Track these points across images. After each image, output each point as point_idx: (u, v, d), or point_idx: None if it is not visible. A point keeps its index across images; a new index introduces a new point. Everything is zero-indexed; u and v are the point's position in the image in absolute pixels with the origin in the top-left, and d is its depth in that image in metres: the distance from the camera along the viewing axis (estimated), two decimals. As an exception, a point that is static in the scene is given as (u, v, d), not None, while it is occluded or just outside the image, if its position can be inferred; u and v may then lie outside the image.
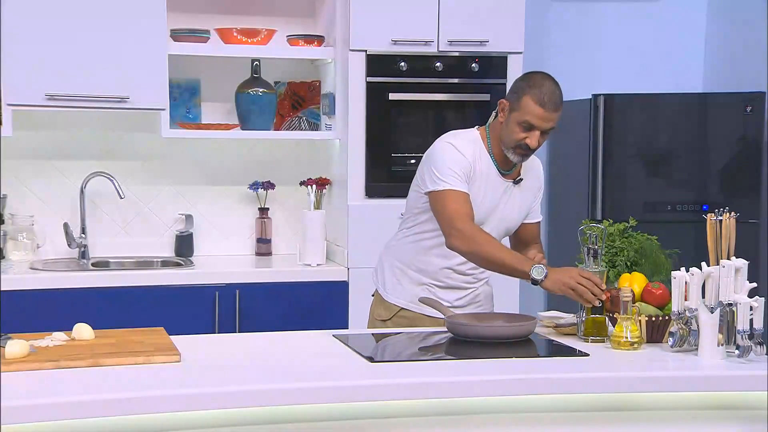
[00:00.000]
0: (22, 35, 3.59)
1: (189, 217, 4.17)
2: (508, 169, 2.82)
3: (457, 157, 2.73)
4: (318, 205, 4.07)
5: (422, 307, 2.82)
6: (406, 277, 2.89)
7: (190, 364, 2.30)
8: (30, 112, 3.79)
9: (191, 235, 4.15)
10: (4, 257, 3.87)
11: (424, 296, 2.83)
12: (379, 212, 3.87)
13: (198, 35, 3.92)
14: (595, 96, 4.28)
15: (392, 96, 3.94)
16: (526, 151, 2.74)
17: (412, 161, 4.01)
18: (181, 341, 2.46)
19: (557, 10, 4.71)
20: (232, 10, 4.11)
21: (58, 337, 2.43)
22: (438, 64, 3.96)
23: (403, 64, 3.92)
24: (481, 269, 2.83)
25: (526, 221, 2.92)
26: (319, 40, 4.05)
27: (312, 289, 3.88)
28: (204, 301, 3.75)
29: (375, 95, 3.91)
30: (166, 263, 4.07)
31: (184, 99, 4.12)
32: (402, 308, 2.89)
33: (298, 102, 4.26)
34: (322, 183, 4.11)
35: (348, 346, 2.49)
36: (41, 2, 3.62)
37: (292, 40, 4.05)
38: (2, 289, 3.43)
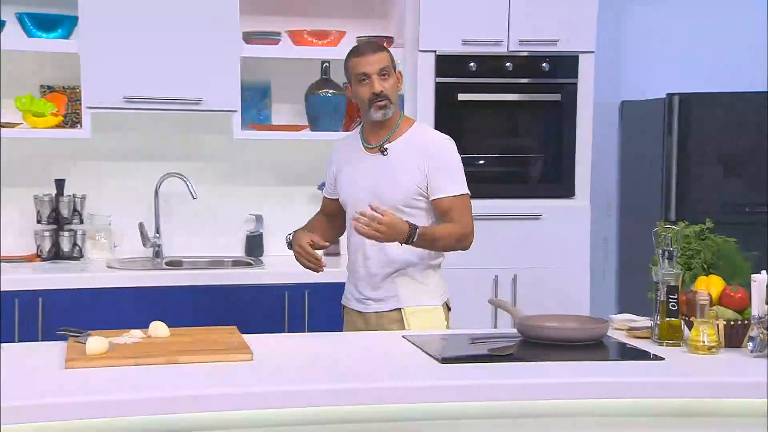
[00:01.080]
0: (102, 40, 3.68)
1: (259, 218, 4.22)
2: (375, 143, 2.88)
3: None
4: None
5: (351, 302, 2.93)
6: (347, 277, 3.00)
7: (262, 362, 2.33)
8: (108, 114, 3.88)
9: (261, 235, 4.20)
10: (83, 256, 3.98)
11: (493, 298, 2.84)
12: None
13: (269, 37, 3.97)
14: (670, 95, 4.20)
15: (461, 96, 3.93)
16: (381, 101, 2.80)
17: (481, 162, 3.99)
18: (253, 340, 2.49)
19: (629, 8, 4.63)
20: (303, 13, 4.15)
21: (135, 335, 2.49)
22: (508, 64, 3.94)
23: (472, 64, 3.91)
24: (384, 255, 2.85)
25: (433, 197, 2.83)
26: (388, 41, 4.06)
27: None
28: (274, 301, 3.78)
29: (444, 96, 3.90)
30: (237, 263, 4.12)
31: (255, 101, 4.17)
32: (344, 306, 3.00)
33: (367, 103, 4.27)
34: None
35: (418, 346, 2.49)
36: (119, 8, 3.70)
37: (362, 41, 4.07)
38: (82, 287, 3.54)
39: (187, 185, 3.98)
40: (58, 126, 3.80)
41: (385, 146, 2.85)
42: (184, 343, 2.46)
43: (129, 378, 2.17)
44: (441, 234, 2.80)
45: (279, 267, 3.97)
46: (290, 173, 4.27)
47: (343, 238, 3.12)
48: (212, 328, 2.65)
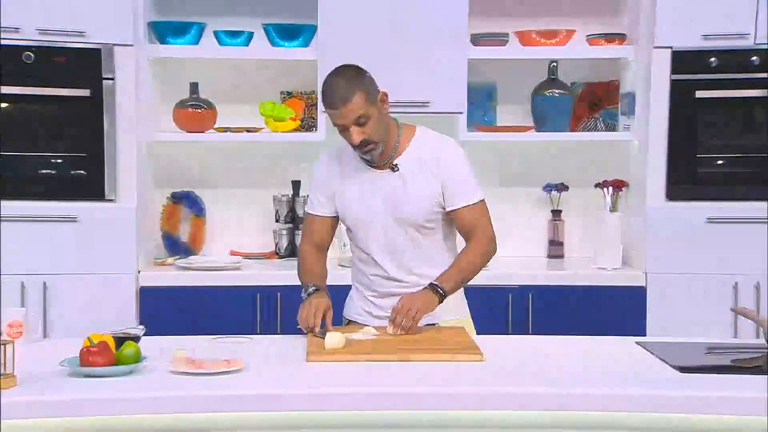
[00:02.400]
0: (338, 47, 3.82)
1: (483, 219, 4.23)
2: (381, 162, 2.69)
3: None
4: (614, 208, 3.96)
5: (367, 318, 2.74)
6: (357, 291, 2.81)
7: (493, 363, 2.33)
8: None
9: (485, 236, 4.21)
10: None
11: (737, 306, 2.66)
12: (681, 215, 3.73)
13: (497, 38, 3.97)
14: None
15: (699, 94, 3.74)
16: (362, 148, 2.62)
17: (720, 162, 3.78)
18: (479, 341, 2.51)
19: None
20: (532, 13, 4.12)
21: (369, 331, 2.58)
22: (754, 58, 3.70)
23: (713, 59, 3.71)
24: (406, 272, 2.70)
25: (450, 208, 2.69)
26: (620, 38, 3.95)
27: (607, 293, 3.79)
28: (497, 302, 3.78)
29: (680, 94, 3.73)
30: (460, 263, 4.15)
31: (481, 102, 4.18)
32: (349, 320, 2.80)
33: (595, 102, 4.18)
34: (618, 185, 4.00)
35: (653, 353, 2.40)
36: (355, 16, 3.83)
37: (592, 39, 3.99)
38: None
39: (413, 186, 4.06)
40: (295, 130, 4.01)
41: (395, 163, 2.69)
42: (415, 341, 2.51)
43: (363, 372, 2.25)
44: (465, 266, 2.69)
45: (503, 269, 3.95)
46: (514, 174, 4.24)
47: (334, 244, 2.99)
48: (441, 328, 2.69)
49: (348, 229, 2.80)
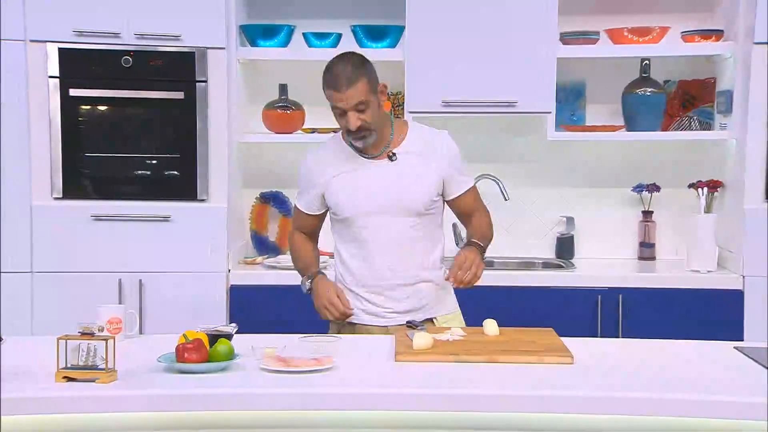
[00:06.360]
0: (425, 48, 3.83)
1: (570, 220, 4.17)
2: (366, 153, 2.73)
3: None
4: (709, 209, 3.86)
5: (360, 315, 2.76)
6: (345, 290, 2.80)
7: (583, 366, 2.30)
8: (427, 118, 4.03)
9: (572, 237, 4.15)
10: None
11: None
12: (780, 217, 3.61)
13: (587, 37, 3.91)
14: None
15: (800, 91, 3.61)
16: (356, 134, 2.65)
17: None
18: (568, 343, 2.47)
19: None
20: (624, 10, 4.04)
21: (456, 333, 2.57)
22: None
23: (814, 55, 3.58)
24: (400, 263, 2.73)
25: (452, 196, 2.78)
26: (717, 34, 3.83)
27: (701, 297, 3.70)
28: (586, 304, 3.72)
29: (782, 90, 3.61)
30: (547, 265, 4.11)
31: (569, 101, 4.13)
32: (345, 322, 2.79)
33: (688, 101, 4.07)
34: (713, 185, 3.89)
35: (753, 359, 2.32)
36: (443, 17, 3.81)
37: (687, 36, 3.88)
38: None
39: (500, 186, 4.04)
40: (381, 130, 4.02)
41: (393, 151, 2.72)
42: (502, 342, 2.49)
43: (451, 373, 2.24)
44: (486, 231, 2.82)
45: (591, 270, 3.91)
46: (603, 174, 4.18)
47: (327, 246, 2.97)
48: (528, 330, 2.66)
49: (336, 224, 2.81)
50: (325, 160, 2.80)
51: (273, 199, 4.17)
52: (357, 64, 2.65)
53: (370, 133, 2.67)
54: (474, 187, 2.84)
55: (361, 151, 2.74)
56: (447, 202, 2.82)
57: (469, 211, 2.85)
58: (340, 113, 2.65)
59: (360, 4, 4.08)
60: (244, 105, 4.05)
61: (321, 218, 2.88)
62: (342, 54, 2.72)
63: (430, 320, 2.77)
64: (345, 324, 2.78)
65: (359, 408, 2.10)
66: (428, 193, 2.73)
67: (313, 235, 2.93)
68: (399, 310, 2.75)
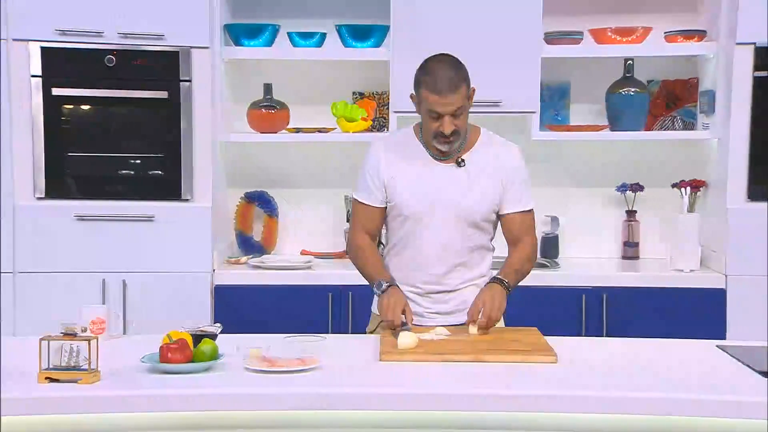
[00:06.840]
0: (411, 47, 3.80)
1: (555, 219, 4.19)
2: (446, 155, 2.67)
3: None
4: (692, 208, 3.88)
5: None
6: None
7: (567, 365, 2.30)
8: (412, 118, 4.03)
9: (557, 236, 4.16)
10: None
11: None
12: (762, 216, 3.63)
13: (571, 37, 3.92)
14: None
15: (783, 91, 3.64)
16: (446, 138, 2.60)
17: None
18: (552, 342, 2.48)
19: None
20: (608, 10, 4.05)
21: (441, 332, 2.57)
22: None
23: (797, 56, 3.60)
24: (449, 269, 2.69)
25: (505, 211, 2.71)
26: (700, 35, 3.86)
27: (684, 295, 3.72)
28: (570, 303, 3.74)
29: (763, 91, 3.63)
30: (533, 264, 4.12)
31: (554, 101, 4.14)
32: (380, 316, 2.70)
33: (672, 101, 4.09)
34: (696, 185, 3.91)
35: (736, 358, 2.34)
36: (428, 16, 3.81)
37: (670, 36, 3.90)
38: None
39: (485, 186, 4.03)
40: (366, 130, 4.02)
41: (462, 158, 2.68)
42: (488, 341, 2.50)
43: (437, 373, 2.24)
44: (519, 267, 2.72)
45: (575, 269, 3.93)
46: (587, 174, 4.19)
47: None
48: (512, 329, 2.67)
49: (392, 221, 2.74)
50: (396, 152, 2.72)
51: (258, 199, 4.16)
52: (458, 67, 2.62)
53: (459, 138, 2.64)
54: (529, 213, 2.75)
55: (441, 153, 2.68)
56: (500, 217, 2.74)
57: (516, 233, 2.74)
58: (435, 117, 2.60)
59: (345, 4, 4.08)
60: (229, 105, 4.04)
61: (383, 214, 2.74)
62: (440, 56, 2.66)
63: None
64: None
65: (344, 408, 2.10)
66: (492, 203, 2.69)
67: (374, 236, 2.79)
68: (442, 311, 2.72)
